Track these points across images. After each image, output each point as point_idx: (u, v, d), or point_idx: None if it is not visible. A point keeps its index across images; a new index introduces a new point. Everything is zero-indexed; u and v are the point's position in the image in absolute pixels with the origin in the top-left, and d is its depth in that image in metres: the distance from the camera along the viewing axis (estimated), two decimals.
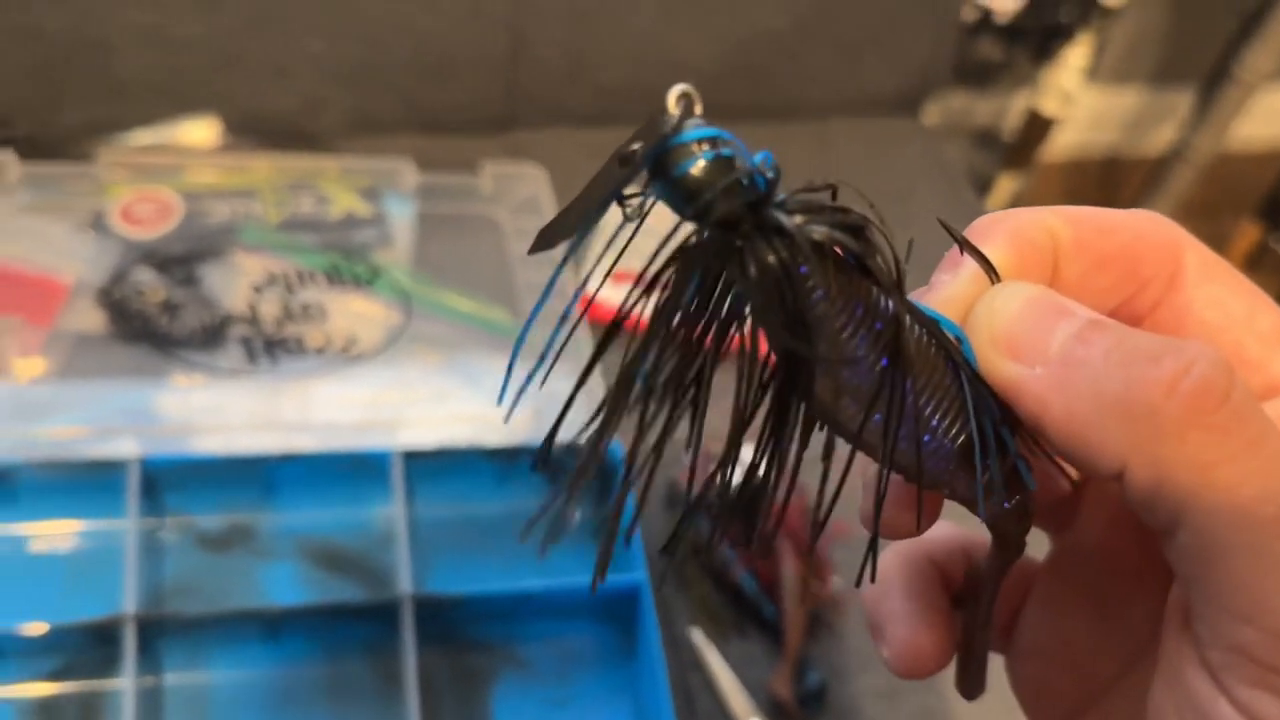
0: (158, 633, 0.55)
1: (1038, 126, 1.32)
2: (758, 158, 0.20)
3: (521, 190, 0.84)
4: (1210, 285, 0.25)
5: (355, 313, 0.74)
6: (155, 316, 0.69)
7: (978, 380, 0.23)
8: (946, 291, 0.24)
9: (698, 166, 0.19)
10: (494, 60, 0.89)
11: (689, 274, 0.21)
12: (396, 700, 0.60)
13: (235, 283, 0.73)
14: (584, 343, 0.74)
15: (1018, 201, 1.35)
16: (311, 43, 0.83)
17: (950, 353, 0.23)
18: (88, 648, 0.55)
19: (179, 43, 0.80)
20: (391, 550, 0.64)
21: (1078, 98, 1.30)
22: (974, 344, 0.23)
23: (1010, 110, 1.36)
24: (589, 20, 0.90)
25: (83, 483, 0.59)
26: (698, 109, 0.20)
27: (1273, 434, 0.21)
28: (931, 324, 0.23)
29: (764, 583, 0.69)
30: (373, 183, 0.81)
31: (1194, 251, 0.26)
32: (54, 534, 0.59)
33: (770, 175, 0.20)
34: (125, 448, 0.64)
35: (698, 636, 0.67)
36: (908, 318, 0.22)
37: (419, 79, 0.88)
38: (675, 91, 0.20)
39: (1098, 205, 0.26)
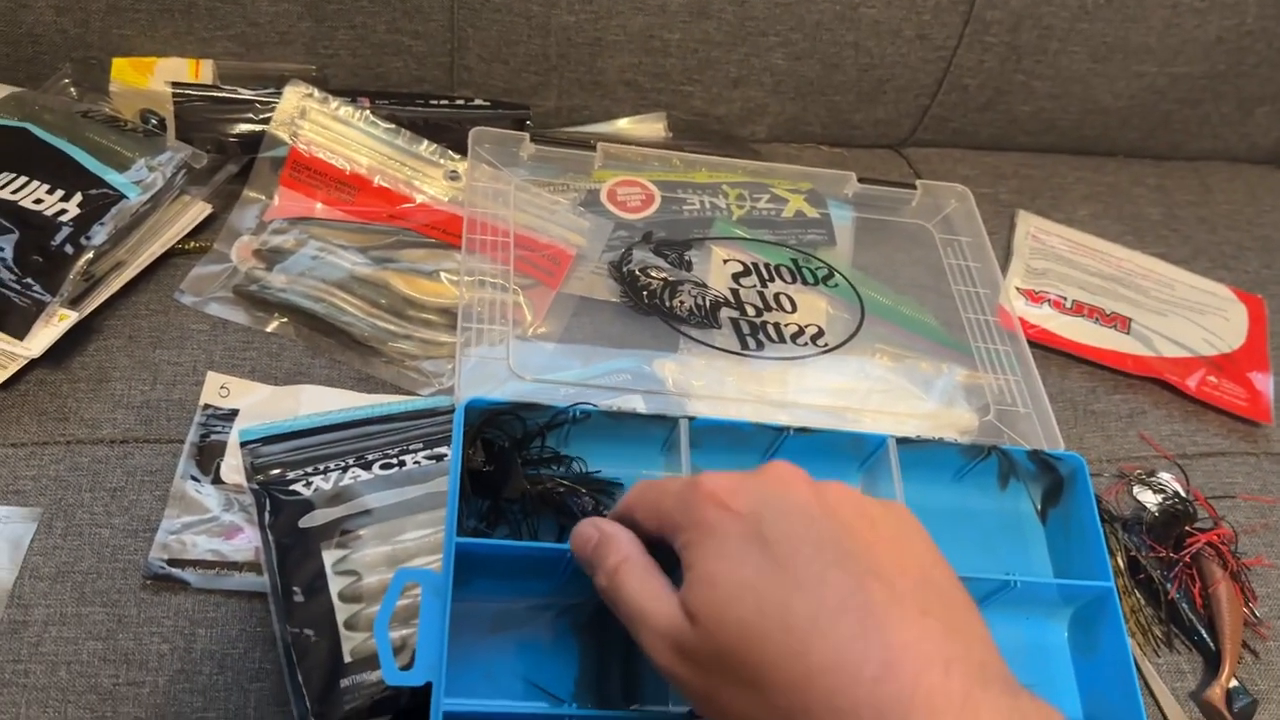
0: None
1: None
2: None
3: (947, 205, 0.89)
4: None
5: (817, 307, 0.81)
6: (659, 292, 0.77)
7: None
8: None
9: None
10: (922, 86, 0.95)
11: None
12: None
13: (715, 270, 0.81)
14: (1009, 354, 0.80)
15: None
16: (774, 57, 0.90)
17: None
18: None
19: (661, 47, 0.89)
20: None
21: None
22: None
23: None
24: (1020, 56, 0.95)
25: (631, 433, 0.67)
26: None
27: None
28: None
29: (1198, 602, 0.73)
30: (816, 188, 0.88)
31: None
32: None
33: None
34: (634, 404, 0.72)
35: (1131, 645, 0.72)
36: None
37: (855, 97, 0.95)
38: None
39: None
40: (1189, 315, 0.90)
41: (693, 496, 0.45)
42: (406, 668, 0.56)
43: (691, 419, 0.67)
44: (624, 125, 0.94)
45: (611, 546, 0.48)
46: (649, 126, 0.95)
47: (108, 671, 0.60)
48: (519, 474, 0.65)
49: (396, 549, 0.64)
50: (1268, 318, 0.93)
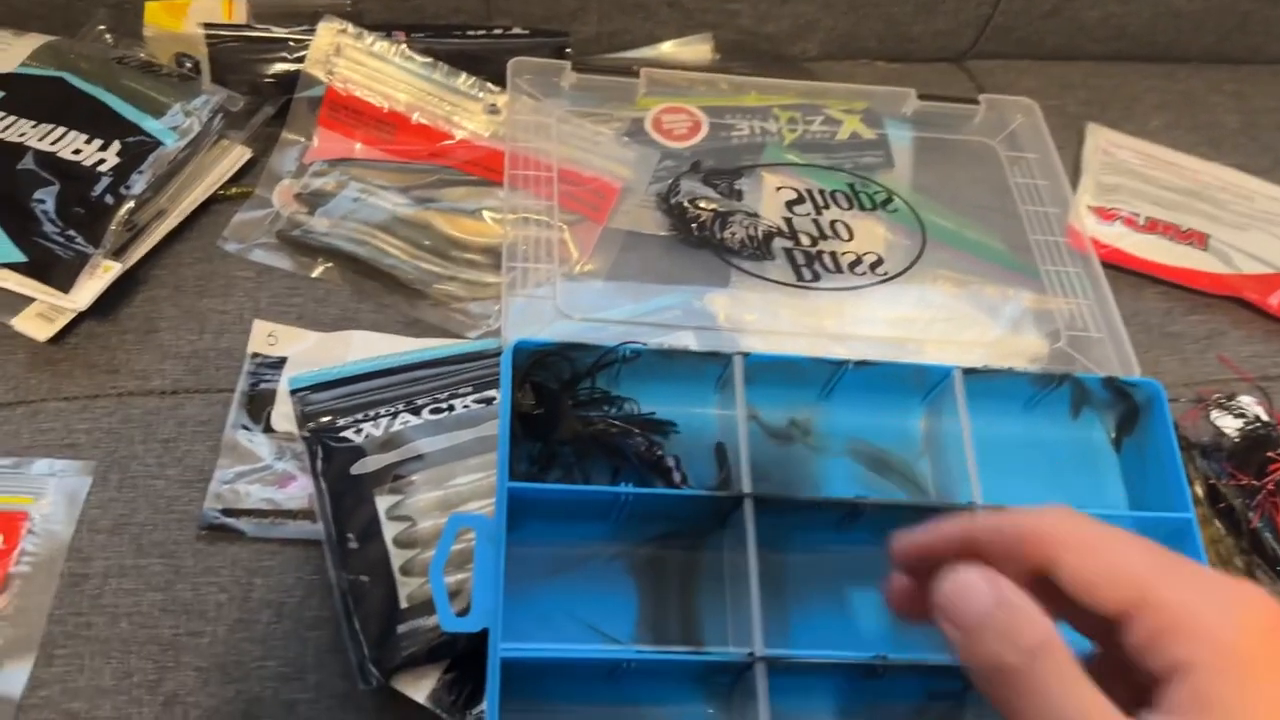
0: (759, 510, 0.61)
1: None
2: None
3: (1013, 120, 0.85)
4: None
5: (875, 234, 0.78)
6: (709, 224, 0.74)
7: None
8: None
9: None
10: None
11: None
12: None
13: (767, 198, 0.78)
14: (1080, 276, 0.76)
15: None
16: None
17: None
18: (694, 518, 0.62)
19: None
20: (936, 458, 0.68)
21: None
22: None
23: None
24: None
25: (683, 371, 0.65)
26: None
27: None
28: None
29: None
30: (872, 107, 0.84)
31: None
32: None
33: None
34: (685, 341, 0.70)
35: None
36: None
37: (913, 8, 0.90)
38: None
39: None
40: (1270, 229, 0.85)
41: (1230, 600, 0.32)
42: (463, 613, 0.55)
43: (746, 355, 0.65)
44: (668, 49, 0.91)
45: (1025, 619, 0.35)
46: (695, 49, 0.91)
47: (168, 622, 0.60)
48: (569, 416, 0.63)
49: (449, 493, 0.64)
50: None
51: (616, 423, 0.63)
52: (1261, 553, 0.70)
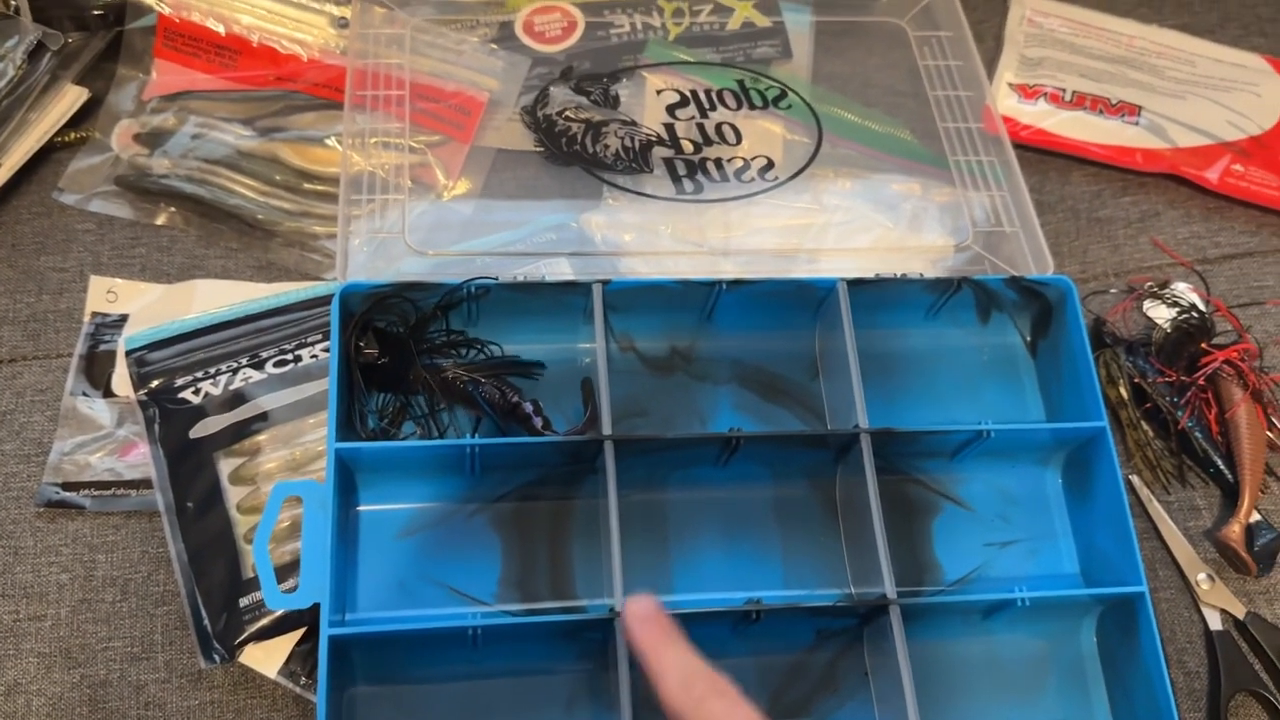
0: (625, 452, 0.56)
1: None
2: None
3: None
4: None
5: (765, 133, 0.71)
6: (581, 137, 0.68)
7: None
8: None
9: None
10: None
11: None
12: (835, 526, 0.60)
13: (649, 103, 0.71)
14: (993, 164, 0.69)
15: None
16: None
17: None
18: (560, 464, 0.57)
19: None
20: (826, 381, 0.63)
21: None
22: None
23: None
24: None
25: (545, 304, 0.60)
26: None
27: None
28: None
29: (1213, 430, 0.64)
30: None
31: None
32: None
33: None
34: (559, 268, 0.64)
35: (1137, 483, 0.64)
36: None
37: None
38: None
39: None
40: (1211, 95, 0.77)
41: None
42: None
43: (606, 283, 0.59)
44: None
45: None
46: None
47: (6, 608, 0.57)
48: (417, 364, 0.58)
49: (297, 452, 0.59)
50: None
51: (462, 370, 0.58)
52: (1191, 454, 0.64)
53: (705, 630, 0.54)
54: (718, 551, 0.59)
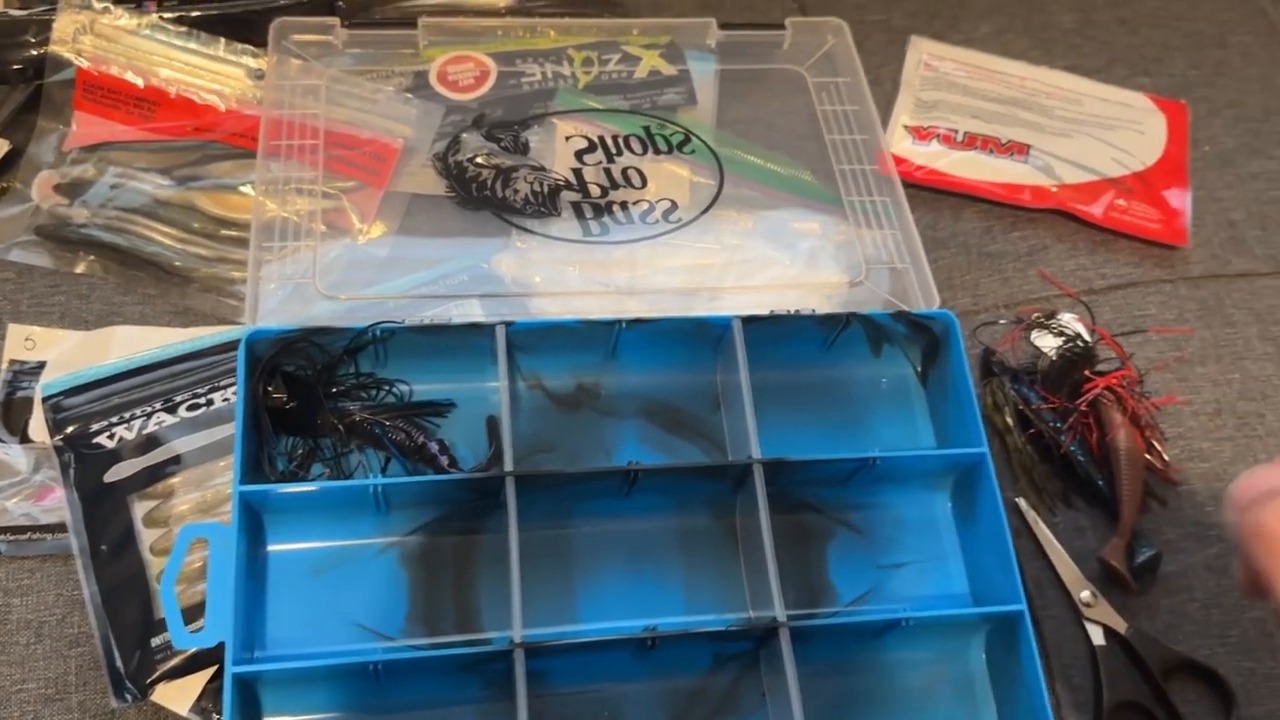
0: (527, 487, 0.59)
1: None
2: None
3: (822, 44, 0.81)
4: None
5: (670, 177, 0.74)
6: (491, 182, 0.71)
7: None
8: None
9: None
10: None
11: None
12: (736, 554, 0.62)
13: (558, 149, 0.74)
14: (886, 204, 0.73)
15: None
16: None
17: None
18: (466, 500, 0.59)
19: None
20: (726, 413, 0.66)
21: None
22: None
23: None
24: None
25: (452, 345, 0.62)
26: None
27: None
28: None
29: (1095, 453, 0.67)
30: (674, 40, 0.80)
31: None
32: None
33: None
34: (470, 310, 0.67)
35: (1023, 505, 0.67)
36: None
37: None
38: None
39: None
40: (1097, 133, 0.81)
41: None
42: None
43: (509, 324, 0.61)
44: None
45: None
46: None
47: None
48: (324, 408, 0.60)
49: (208, 494, 0.61)
50: (1190, 125, 0.84)
51: (369, 413, 0.60)
52: (1075, 476, 0.68)
53: (607, 658, 0.57)
54: (621, 581, 0.61)
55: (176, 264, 0.69)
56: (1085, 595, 0.64)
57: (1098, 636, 0.63)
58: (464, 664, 0.55)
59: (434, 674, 0.56)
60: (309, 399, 0.60)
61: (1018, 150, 0.79)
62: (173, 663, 0.56)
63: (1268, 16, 0.95)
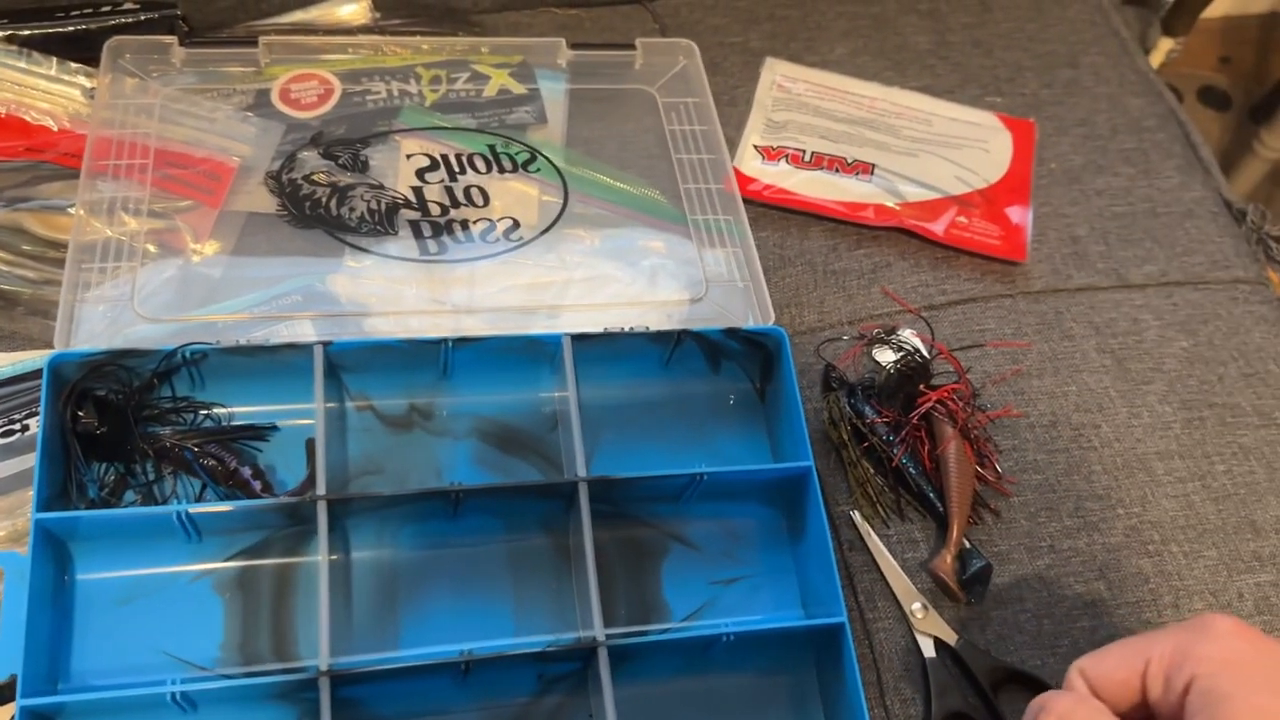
0: (346, 511, 0.58)
1: None
2: None
3: (674, 65, 0.81)
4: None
5: (515, 195, 0.74)
6: (325, 201, 0.70)
7: None
8: None
9: None
10: None
11: None
12: (569, 573, 0.62)
13: (399, 167, 0.73)
14: (729, 223, 0.73)
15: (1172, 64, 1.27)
16: None
17: None
18: (283, 526, 0.59)
19: None
20: (562, 432, 0.65)
21: None
22: None
23: None
24: None
25: (271, 366, 0.61)
26: None
27: None
28: None
29: (926, 466, 0.68)
30: (525, 60, 0.80)
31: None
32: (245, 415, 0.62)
33: None
34: (302, 330, 0.66)
35: (858, 518, 0.68)
36: None
37: None
38: None
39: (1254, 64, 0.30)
40: (942, 152, 0.83)
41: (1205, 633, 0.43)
42: None
43: (327, 344, 0.61)
44: (320, 12, 0.85)
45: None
46: (351, 8, 0.85)
47: None
48: (134, 433, 0.59)
49: (20, 523, 0.59)
50: (1038, 143, 0.86)
51: (180, 437, 0.59)
52: (907, 489, 0.68)
53: (425, 684, 0.57)
54: (447, 605, 0.60)
55: (3, 287, 0.67)
56: (916, 607, 0.65)
57: (928, 648, 0.64)
58: (276, 692, 0.54)
59: (248, 704, 0.55)
60: (121, 424, 0.59)
61: (863, 170, 0.80)
62: None
63: (1120, 37, 0.98)
